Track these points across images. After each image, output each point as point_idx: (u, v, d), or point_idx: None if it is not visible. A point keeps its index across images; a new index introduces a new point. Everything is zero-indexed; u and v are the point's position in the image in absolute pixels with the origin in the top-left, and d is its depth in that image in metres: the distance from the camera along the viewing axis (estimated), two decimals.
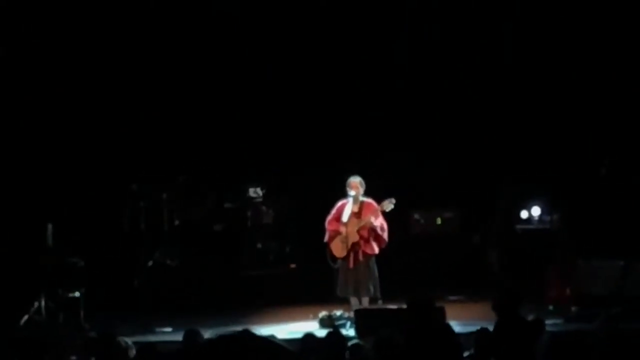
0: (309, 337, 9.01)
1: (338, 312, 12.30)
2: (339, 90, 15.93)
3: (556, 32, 15.50)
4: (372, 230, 12.36)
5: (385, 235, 12.41)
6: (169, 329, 12.44)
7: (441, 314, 10.97)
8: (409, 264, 14.74)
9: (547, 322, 9.87)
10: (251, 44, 15.90)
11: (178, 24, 15.76)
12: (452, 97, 15.91)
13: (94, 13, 15.48)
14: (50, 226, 12.99)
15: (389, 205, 12.36)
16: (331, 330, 10.02)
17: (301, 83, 15.93)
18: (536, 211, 15.07)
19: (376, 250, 12.46)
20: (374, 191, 12.69)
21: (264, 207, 15.57)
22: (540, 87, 15.63)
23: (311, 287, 13.96)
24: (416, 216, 15.44)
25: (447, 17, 15.75)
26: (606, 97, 15.26)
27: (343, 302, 12.46)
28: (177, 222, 15.11)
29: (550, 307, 12.82)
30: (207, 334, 8.73)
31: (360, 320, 11.71)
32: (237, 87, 15.92)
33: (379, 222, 12.37)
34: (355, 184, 12.45)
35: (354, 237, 12.39)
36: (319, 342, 8.84)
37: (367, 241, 12.41)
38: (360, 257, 12.40)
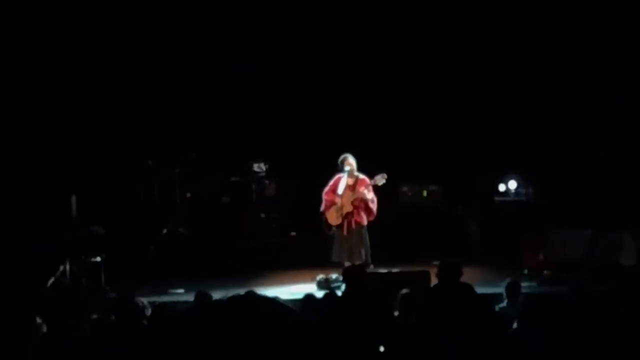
0: (309, 297, 9.12)
1: (334, 275, 12.40)
2: (337, 73, 15.75)
3: (544, 19, 15.41)
4: (364, 201, 12.50)
5: (375, 209, 12.47)
6: (181, 291, 12.57)
7: (427, 278, 11.12)
8: (397, 232, 14.83)
9: (523, 284, 10.03)
10: (254, 22, 15.62)
11: (183, 3, 15.67)
12: (438, 80, 15.86)
13: None
14: (74, 198, 13.05)
15: (381, 179, 12.40)
16: (327, 291, 10.17)
17: (301, 63, 15.72)
18: (513, 185, 15.15)
19: (365, 221, 12.64)
20: (368, 166, 12.84)
21: (267, 181, 15.63)
22: (517, 67, 15.46)
23: (309, 253, 14.05)
24: (404, 189, 15.45)
25: (445, 6, 15.71)
26: (582, 79, 15.25)
27: (338, 266, 12.58)
28: (188, 195, 15.15)
29: (525, 271, 12.92)
30: (215, 295, 8.87)
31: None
32: (238, 73, 15.79)
33: (370, 195, 12.52)
34: (349, 161, 12.58)
35: (348, 208, 12.48)
36: (318, 302, 8.97)
37: (359, 212, 12.56)
38: (353, 225, 12.48)
